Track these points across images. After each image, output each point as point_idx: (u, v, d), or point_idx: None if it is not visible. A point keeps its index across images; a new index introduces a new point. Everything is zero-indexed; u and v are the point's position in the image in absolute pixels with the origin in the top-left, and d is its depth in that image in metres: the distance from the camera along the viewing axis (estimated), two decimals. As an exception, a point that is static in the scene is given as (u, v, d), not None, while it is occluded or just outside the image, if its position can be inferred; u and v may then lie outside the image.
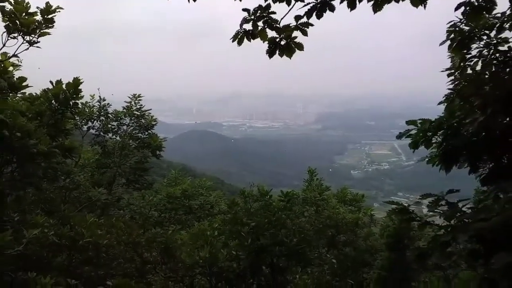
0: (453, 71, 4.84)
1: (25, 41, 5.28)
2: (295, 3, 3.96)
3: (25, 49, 5.33)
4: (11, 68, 5.56)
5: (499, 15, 4.30)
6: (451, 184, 4.09)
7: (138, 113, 11.62)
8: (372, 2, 3.80)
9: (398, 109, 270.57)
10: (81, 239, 5.85)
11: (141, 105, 11.68)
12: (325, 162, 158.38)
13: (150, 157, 11.77)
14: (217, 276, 8.15)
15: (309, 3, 3.89)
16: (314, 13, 3.91)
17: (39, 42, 5.37)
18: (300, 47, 4.20)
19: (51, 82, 6.57)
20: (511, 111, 4.06)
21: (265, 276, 8.86)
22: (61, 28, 5.49)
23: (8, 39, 5.21)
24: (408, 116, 5.63)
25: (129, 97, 11.71)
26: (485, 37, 4.47)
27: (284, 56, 4.24)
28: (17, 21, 5.14)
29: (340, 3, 3.85)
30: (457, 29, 4.50)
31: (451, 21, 4.50)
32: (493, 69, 4.44)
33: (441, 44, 4.63)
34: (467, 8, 4.08)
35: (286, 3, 4.00)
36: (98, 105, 11.32)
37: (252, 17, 4.09)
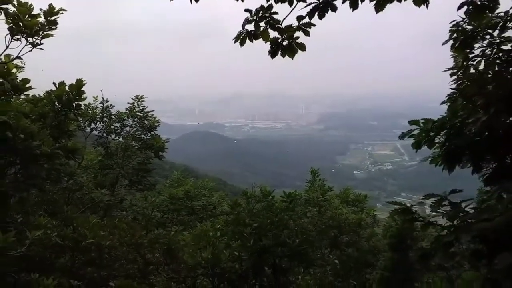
0: (456, 70, 4.82)
1: (28, 43, 5.30)
2: (297, 3, 3.96)
3: (28, 51, 5.35)
4: (14, 70, 5.57)
5: (502, 14, 4.28)
6: (454, 184, 4.07)
7: (141, 114, 11.63)
8: (374, 2, 3.80)
9: (400, 109, 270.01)
10: (84, 240, 5.85)
11: (144, 106, 11.70)
12: (327, 163, 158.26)
13: (152, 158, 11.77)
14: (220, 277, 8.15)
15: (311, 3, 3.88)
16: (316, 13, 3.91)
17: (42, 44, 5.40)
18: (302, 47, 4.20)
19: (54, 83, 6.60)
20: (514, 111, 4.04)
21: (267, 277, 8.86)
22: (63, 30, 5.51)
23: (11, 41, 5.23)
24: (411, 116, 5.62)
25: (132, 98, 11.72)
26: (488, 37, 4.45)
27: (286, 57, 4.25)
28: (21, 23, 5.16)
29: (342, 3, 3.85)
30: (459, 28, 4.48)
31: (453, 21, 4.49)
32: (496, 69, 4.42)
33: (443, 43, 4.61)
34: (470, 7, 4.07)
35: (288, 4, 4.00)
36: (101, 106, 11.35)
37: (254, 17, 4.09)
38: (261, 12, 4.08)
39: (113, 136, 11.69)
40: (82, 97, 6.68)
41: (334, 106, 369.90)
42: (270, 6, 4.07)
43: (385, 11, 3.84)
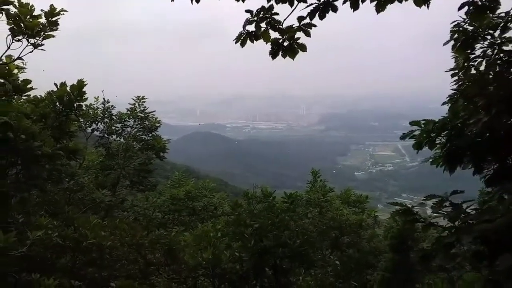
0: (457, 71, 4.81)
1: (29, 44, 5.32)
2: (297, 4, 3.96)
3: (30, 52, 5.37)
4: (15, 71, 5.59)
5: (503, 14, 4.28)
6: (456, 185, 4.07)
7: (142, 115, 11.65)
8: (375, 2, 3.80)
9: (401, 110, 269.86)
10: (85, 241, 5.85)
11: (145, 107, 11.71)
12: (328, 163, 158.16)
13: (154, 158, 11.79)
14: (220, 278, 8.14)
15: (311, 4, 3.89)
16: (317, 14, 3.91)
17: (43, 44, 5.41)
18: (303, 48, 4.21)
19: (55, 84, 6.60)
20: (516, 112, 4.03)
21: (268, 278, 8.85)
22: (64, 30, 5.52)
23: (12, 42, 5.25)
24: (412, 116, 5.62)
25: (133, 99, 11.74)
26: (489, 37, 4.44)
27: (287, 57, 4.25)
28: (22, 24, 5.18)
29: (343, 3, 3.85)
30: (460, 29, 4.47)
31: (454, 21, 4.48)
32: (497, 69, 4.41)
33: (444, 44, 4.60)
34: (471, 7, 4.06)
35: (289, 4, 4.00)
36: (102, 107, 11.37)
37: (255, 18, 4.10)
38: (262, 12, 4.08)
39: (114, 136, 11.71)
40: (83, 97, 6.68)
41: (335, 107, 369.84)
42: (271, 7, 4.08)
43: (386, 12, 3.84)
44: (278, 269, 8.81)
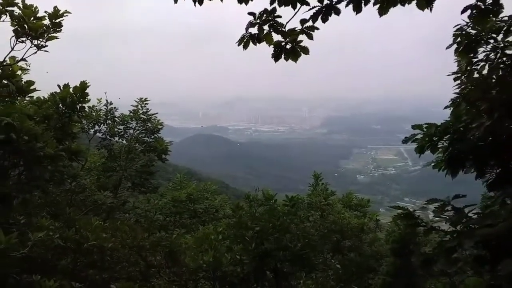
0: (459, 75, 4.81)
1: (33, 45, 5.34)
2: (300, 6, 3.97)
3: (33, 53, 5.39)
4: (19, 72, 5.61)
5: (506, 18, 4.27)
6: (458, 189, 4.05)
7: (145, 117, 11.68)
8: (377, 6, 3.79)
9: (404, 113, 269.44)
10: (86, 242, 5.85)
11: (148, 109, 11.74)
12: (330, 167, 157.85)
13: (156, 160, 11.81)
14: (221, 281, 8.12)
15: (314, 7, 3.89)
16: (320, 17, 3.91)
17: (47, 46, 5.43)
18: (306, 50, 4.21)
19: (58, 86, 6.63)
20: (518, 116, 4.02)
21: (269, 281, 8.82)
22: (68, 32, 5.54)
23: (16, 43, 5.27)
24: (415, 120, 5.60)
25: (135, 101, 11.78)
26: (492, 41, 4.43)
27: (290, 60, 4.25)
28: (26, 26, 5.19)
29: (346, 6, 3.85)
30: (463, 32, 4.47)
31: (457, 25, 4.48)
32: (500, 73, 4.40)
33: (447, 47, 4.60)
34: (474, 11, 4.05)
35: (292, 7, 4.00)
36: (105, 108, 11.41)
37: (258, 21, 4.11)
38: (264, 15, 4.09)
39: (116, 138, 11.74)
40: (86, 99, 6.70)
41: (339, 110, 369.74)
42: (274, 10, 4.08)
43: (388, 15, 3.83)
44: (279, 272, 8.77)
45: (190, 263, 7.82)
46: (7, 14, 5.13)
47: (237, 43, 4.21)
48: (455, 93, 4.80)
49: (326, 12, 3.88)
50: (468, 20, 4.31)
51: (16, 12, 5.16)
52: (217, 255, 7.68)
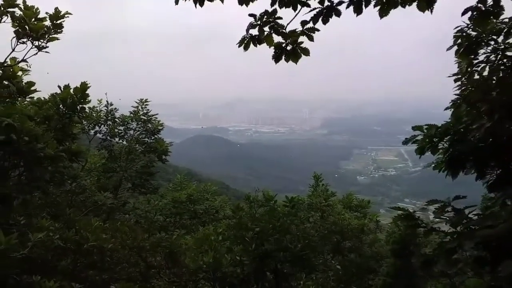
0: (460, 76, 4.81)
1: (34, 46, 5.35)
2: (301, 8, 3.97)
3: (34, 54, 5.40)
4: (20, 73, 5.62)
5: (506, 20, 4.27)
6: (458, 190, 4.05)
7: (145, 118, 11.68)
8: (378, 7, 3.80)
9: (405, 115, 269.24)
10: (86, 243, 5.85)
11: (148, 109, 11.75)
12: (330, 168, 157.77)
13: (156, 161, 11.80)
14: (221, 281, 8.11)
15: (315, 8, 3.90)
16: (320, 18, 3.92)
17: (47, 47, 5.44)
18: (306, 52, 4.21)
19: (59, 86, 6.63)
20: (519, 117, 4.02)
21: (269, 282, 8.81)
22: (69, 33, 5.55)
23: (17, 44, 5.28)
24: (415, 121, 5.60)
25: (136, 102, 11.79)
26: (492, 42, 4.44)
27: (290, 61, 4.26)
28: (26, 27, 5.21)
29: (346, 8, 3.86)
30: (464, 34, 4.47)
31: (458, 26, 4.48)
32: (501, 75, 4.41)
33: (448, 49, 4.60)
34: (474, 13, 4.06)
35: (292, 9, 4.01)
36: (105, 109, 11.41)
37: (259, 22, 4.12)
38: (265, 17, 4.10)
39: (117, 139, 11.74)
40: (87, 100, 6.71)
41: (339, 112, 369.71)
42: (274, 11, 4.09)
43: (389, 17, 3.84)
44: (279, 273, 8.77)
45: (190, 264, 7.82)
46: (8, 15, 5.14)
47: (238, 45, 4.22)
48: (455, 94, 4.81)
49: (326, 13, 3.89)
50: (468, 22, 4.32)
51: (17, 13, 5.17)
52: (217, 256, 7.68)
